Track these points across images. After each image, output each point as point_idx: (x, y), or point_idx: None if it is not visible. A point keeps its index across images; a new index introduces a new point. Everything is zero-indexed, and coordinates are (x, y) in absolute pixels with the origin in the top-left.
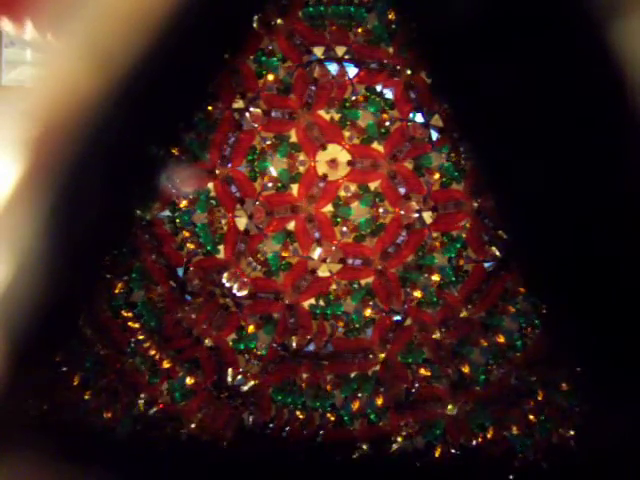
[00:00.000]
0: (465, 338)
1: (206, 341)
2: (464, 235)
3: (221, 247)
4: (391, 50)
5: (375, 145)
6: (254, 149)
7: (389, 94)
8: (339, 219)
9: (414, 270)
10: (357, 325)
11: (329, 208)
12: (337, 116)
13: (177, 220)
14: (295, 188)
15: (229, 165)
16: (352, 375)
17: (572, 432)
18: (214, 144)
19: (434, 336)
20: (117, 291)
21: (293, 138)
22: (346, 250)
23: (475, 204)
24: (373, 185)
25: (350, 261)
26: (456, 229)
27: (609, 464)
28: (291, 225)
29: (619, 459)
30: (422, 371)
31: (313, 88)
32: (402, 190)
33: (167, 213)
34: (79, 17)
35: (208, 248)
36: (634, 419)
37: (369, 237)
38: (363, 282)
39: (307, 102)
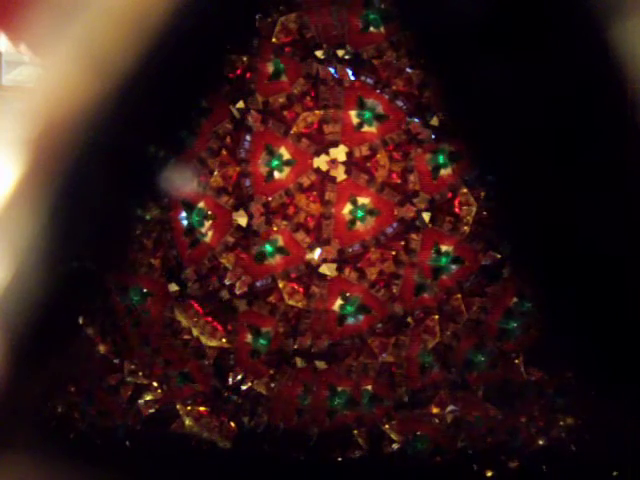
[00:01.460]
0: (477, 343)
1: (210, 342)
2: (452, 252)
3: (210, 233)
4: (383, 30)
5: (369, 129)
6: (268, 149)
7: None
8: (355, 223)
9: (430, 275)
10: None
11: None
12: (356, 120)
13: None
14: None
15: (243, 165)
16: (339, 389)
17: (572, 435)
18: (202, 133)
19: (437, 328)
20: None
21: (287, 155)
22: (343, 240)
23: (471, 218)
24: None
25: (349, 249)
26: (449, 243)
27: (609, 466)
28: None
29: (619, 461)
30: (434, 373)
31: (323, 89)
32: (396, 198)
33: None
34: (77, 20)
35: (197, 236)
36: (633, 421)
37: (363, 225)
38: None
39: (325, 104)
